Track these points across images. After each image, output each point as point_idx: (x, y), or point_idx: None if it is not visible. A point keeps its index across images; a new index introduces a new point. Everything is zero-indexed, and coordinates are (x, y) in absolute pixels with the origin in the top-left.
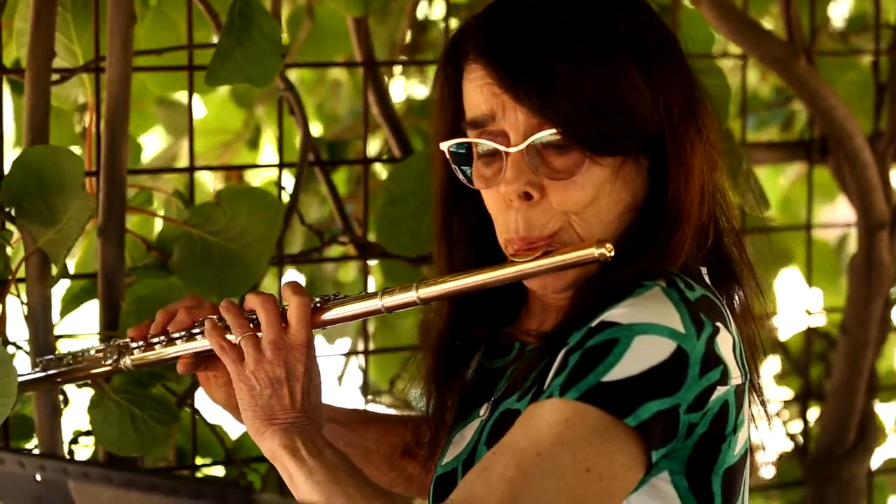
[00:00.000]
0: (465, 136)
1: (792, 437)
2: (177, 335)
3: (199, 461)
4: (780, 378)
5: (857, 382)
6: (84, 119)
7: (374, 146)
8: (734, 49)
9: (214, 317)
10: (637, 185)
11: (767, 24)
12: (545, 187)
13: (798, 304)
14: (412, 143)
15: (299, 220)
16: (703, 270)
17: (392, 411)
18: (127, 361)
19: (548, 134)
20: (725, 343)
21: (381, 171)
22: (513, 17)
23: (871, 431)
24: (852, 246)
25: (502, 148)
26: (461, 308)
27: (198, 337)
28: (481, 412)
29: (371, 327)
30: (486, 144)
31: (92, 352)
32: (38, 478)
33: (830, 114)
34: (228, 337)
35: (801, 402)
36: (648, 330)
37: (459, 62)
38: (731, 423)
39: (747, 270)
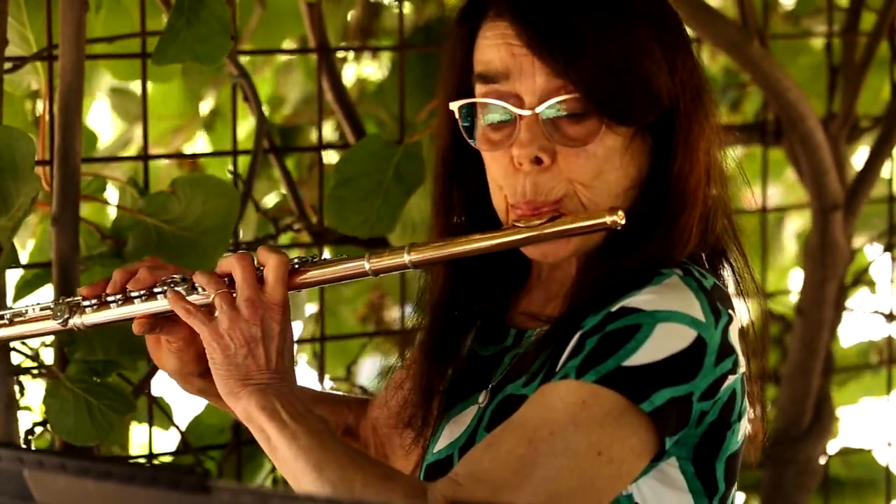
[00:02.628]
0: (473, 93)
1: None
2: (135, 294)
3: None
4: None
5: (813, 364)
6: (37, 107)
7: (326, 131)
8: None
9: (178, 276)
10: (642, 162)
11: (718, 5)
12: (556, 153)
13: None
14: (365, 128)
15: (253, 207)
16: (703, 256)
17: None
18: (78, 320)
19: (567, 97)
20: (735, 331)
21: (333, 157)
22: None
23: (827, 413)
24: (788, 228)
25: (517, 110)
26: (459, 280)
27: (159, 297)
28: (480, 399)
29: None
30: (499, 106)
31: (37, 309)
32: None
33: (784, 96)
34: (193, 298)
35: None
36: (671, 318)
37: (477, 20)
38: (736, 410)
39: (739, 254)
